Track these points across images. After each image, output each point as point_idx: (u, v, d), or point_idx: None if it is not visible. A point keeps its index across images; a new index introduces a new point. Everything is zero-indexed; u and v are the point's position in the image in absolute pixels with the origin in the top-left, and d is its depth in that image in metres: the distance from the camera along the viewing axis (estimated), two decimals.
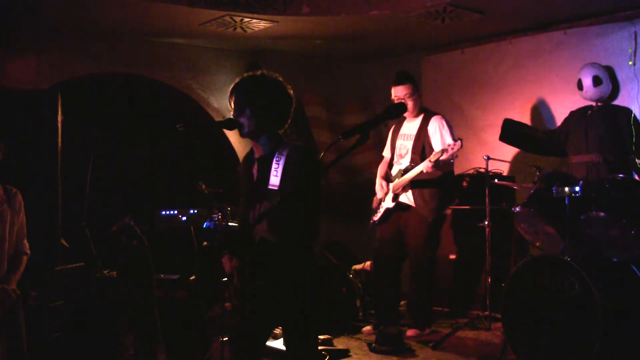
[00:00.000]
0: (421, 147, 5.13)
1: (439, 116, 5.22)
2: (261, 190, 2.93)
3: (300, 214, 2.82)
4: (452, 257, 5.97)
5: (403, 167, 5.18)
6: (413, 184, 5.08)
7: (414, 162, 5.09)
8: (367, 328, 5.42)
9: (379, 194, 5.32)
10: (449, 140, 5.05)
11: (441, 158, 4.85)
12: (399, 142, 5.32)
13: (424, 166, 4.92)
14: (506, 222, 5.50)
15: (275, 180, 2.89)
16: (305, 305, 2.93)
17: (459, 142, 4.83)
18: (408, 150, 5.19)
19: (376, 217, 5.32)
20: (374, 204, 5.40)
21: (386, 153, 5.50)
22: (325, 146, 7.02)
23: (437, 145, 5.06)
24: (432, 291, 5.41)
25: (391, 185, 5.22)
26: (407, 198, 5.15)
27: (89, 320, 4.55)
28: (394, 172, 5.29)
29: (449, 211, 5.97)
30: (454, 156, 4.86)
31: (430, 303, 5.40)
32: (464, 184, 6.04)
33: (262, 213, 2.87)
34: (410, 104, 5.17)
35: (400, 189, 5.14)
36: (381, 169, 5.46)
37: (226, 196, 5.23)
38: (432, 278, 5.32)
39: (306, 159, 2.93)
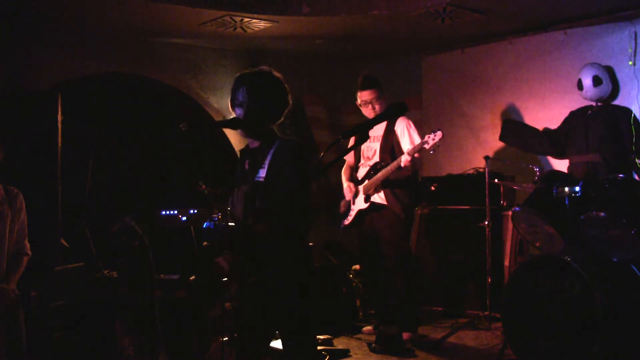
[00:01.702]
0: (390, 147, 5.13)
1: (404, 117, 5.20)
2: (249, 182, 2.97)
3: (287, 207, 2.85)
4: (452, 257, 5.97)
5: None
6: (384, 184, 5.09)
7: (384, 162, 5.09)
8: (367, 328, 5.41)
9: (347, 197, 5.32)
10: (417, 139, 5.05)
11: (426, 147, 4.84)
12: (364, 145, 5.29)
13: (403, 160, 4.91)
14: (506, 222, 5.50)
15: (263, 172, 2.93)
16: (299, 301, 2.93)
17: (439, 133, 4.80)
18: (376, 152, 5.19)
19: (347, 221, 5.32)
20: (342, 209, 5.39)
21: (349, 157, 5.45)
22: (325, 146, 7.02)
23: (406, 145, 5.06)
24: (420, 290, 5.40)
25: (361, 186, 5.22)
26: (379, 198, 5.14)
27: (89, 321, 4.55)
28: (360, 174, 5.28)
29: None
30: (435, 147, 4.84)
31: (416, 303, 5.37)
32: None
33: (256, 208, 2.90)
34: (377, 107, 5.18)
35: (372, 189, 5.13)
36: (347, 173, 5.44)
37: (226, 196, 5.23)
38: (414, 276, 5.31)
39: (294, 152, 2.96)
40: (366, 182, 5.16)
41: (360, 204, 5.21)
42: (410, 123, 5.17)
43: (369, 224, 5.22)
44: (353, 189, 5.26)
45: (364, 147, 5.28)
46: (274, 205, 2.86)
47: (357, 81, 5.27)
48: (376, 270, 5.34)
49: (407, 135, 5.10)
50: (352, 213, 5.27)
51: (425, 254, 6.07)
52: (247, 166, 3.06)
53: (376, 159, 5.16)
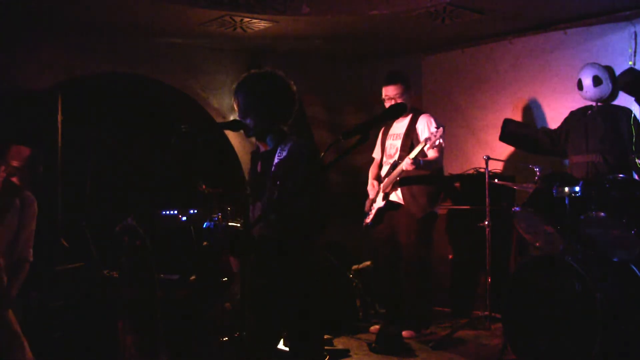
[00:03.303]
0: (410, 144, 5.11)
1: (427, 114, 5.21)
2: (263, 185, 2.94)
3: (298, 208, 2.83)
4: (452, 257, 5.97)
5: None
6: (402, 182, 5.07)
7: (402, 159, 5.08)
8: (375, 327, 5.37)
9: (371, 195, 5.32)
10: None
11: (426, 148, 4.83)
12: (388, 142, 5.32)
13: (404, 164, 4.90)
14: (506, 222, 5.49)
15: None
16: (305, 303, 2.93)
17: (441, 129, 4.81)
18: (397, 149, 5.18)
19: (369, 219, 5.32)
20: (367, 207, 5.40)
21: (376, 154, 5.48)
22: (325, 146, 7.00)
23: None
24: (431, 291, 5.37)
25: (381, 184, 5.23)
26: (396, 196, 5.15)
27: (89, 321, 4.55)
28: (383, 172, 5.29)
29: (444, 211, 5.97)
30: (438, 143, 4.82)
31: (428, 304, 5.35)
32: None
33: (262, 211, 2.88)
34: None
35: (390, 187, 5.13)
36: (372, 171, 5.46)
37: (226, 196, 5.24)
38: (427, 278, 5.27)
39: (306, 153, 2.94)
40: (385, 179, 5.17)
41: (379, 202, 5.21)
42: (432, 120, 5.15)
43: (387, 223, 5.21)
44: (376, 187, 5.26)
45: (387, 145, 5.30)
46: (284, 206, 2.81)
47: (384, 76, 5.28)
48: (386, 271, 5.32)
49: (427, 131, 5.07)
50: (373, 211, 5.26)
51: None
52: (259, 169, 3.03)
53: (397, 156, 5.16)
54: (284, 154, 2.91)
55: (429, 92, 6.99)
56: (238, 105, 3.01)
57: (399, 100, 5.15)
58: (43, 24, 5.58)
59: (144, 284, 4.37)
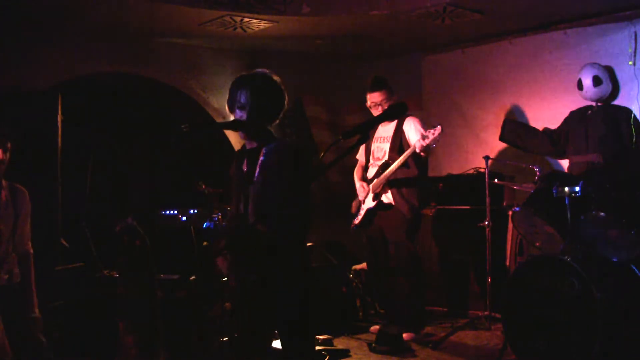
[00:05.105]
0: (399, 146, 5.14)
1: (412, 116, 5.22)
2: (248, 183, 3.00)
3: (281, 208, 2.87)
4: (453, 257, 5.97)
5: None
6: (391, 184, 5.10)
7: (392, 160, 5.09)
8: (375, 327, 5.38)
9: (361, 196, 5.33)
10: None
11: (424, 144, 4.84)
12: (374, 146, 5.32)
13: (418, 145, 4.86)
14: (506, 222, 5.49)
15: (257, 172, 2.97)
16: (298, 301, 2.94)
17: (439, 127, 4.80)
18: (385, 152, 5.19)
19: (357, 220, 5.33)
20: (353, 209, 5.40)
21: (360, 157, 5.50)
22: (325, 146, 7.02)
23: (414, 141, 5.04)
24: (424, 289, 5.39)
25: (371, 185, 5.23)
26: (386, 197, 5.16)
27: (89, 321, 4.55)
28: (370, 174, 5.30)
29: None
30: (435, 142, 4.83)
31: (422, 301, 5.36)
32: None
33: (253, 212, 2.91)
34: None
35: (380, 187, 5.14)
36: (358, 173, 5.47)
37: (226, 196, 5.24)
38: (420, 275, 5.30)
39: (290, 153, 2.99)
40: (375, 180, 5.17)
41: (368, 202, 5.22)
42: (417, 120, 5.18)
43: (377, 223, 5.23)
44: (366, 188, 5.27)
45: (374, 147, 5.31)
46: (267, 206, 2.88)
47: (367, 83, 5.26)
48: (383, 270, 5.34)
49: (414, 130, 5.09)
50: (362, 212, 5.27)
51: (425, 254, 6.07)
52: (245, 167, 3.08)
53: (385, 159, 5.17)
54: (268, 153, 2.97)
55: (429, 92, 6.99)
56: (231, 101, 3.05)
57: (385, 106, 5.16)
58: (43, 24, 5.58)
59: (143, 283, 4.37)
